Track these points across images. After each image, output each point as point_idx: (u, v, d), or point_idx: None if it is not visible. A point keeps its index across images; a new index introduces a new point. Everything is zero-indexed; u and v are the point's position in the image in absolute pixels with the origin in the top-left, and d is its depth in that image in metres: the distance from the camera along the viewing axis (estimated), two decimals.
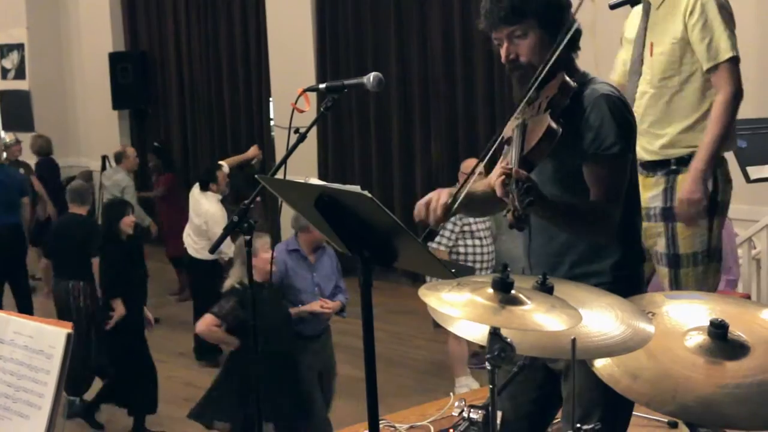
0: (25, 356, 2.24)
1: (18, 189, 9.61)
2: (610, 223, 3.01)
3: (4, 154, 10.58)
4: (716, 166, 4.24)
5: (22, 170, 11.52)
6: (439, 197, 3.04)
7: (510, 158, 2.93)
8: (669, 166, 4.30)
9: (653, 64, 4.31)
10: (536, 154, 2.89)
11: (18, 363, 2.24)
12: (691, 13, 4.17)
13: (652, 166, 4.32)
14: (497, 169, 2.86)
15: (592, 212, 3.03)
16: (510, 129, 3.04)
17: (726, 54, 4.16)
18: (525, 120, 2.97)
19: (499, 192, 2.75)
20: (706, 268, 4.30)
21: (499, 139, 3.07)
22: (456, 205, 3.01)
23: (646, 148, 4.27)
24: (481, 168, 3.01)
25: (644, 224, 4.06)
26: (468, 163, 6.89)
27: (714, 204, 4.26)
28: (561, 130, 2.90)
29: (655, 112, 4.30)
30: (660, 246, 4.31)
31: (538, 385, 3.22)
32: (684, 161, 4.27)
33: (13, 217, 9.42)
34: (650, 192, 4.30)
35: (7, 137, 12.02)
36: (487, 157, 3.10)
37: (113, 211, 7.17)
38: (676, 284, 4.28)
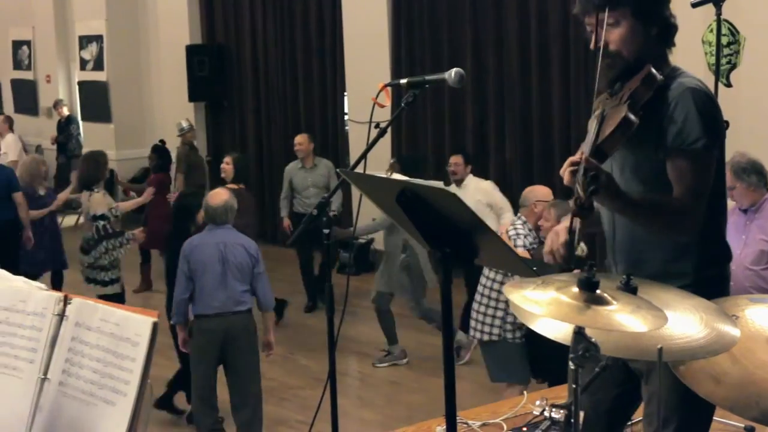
0: (111, 343, 2.27)
1: (5, 185, 9.16)
2: (692, 222, 2.93)
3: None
4: None
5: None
6: (558, 237, 3.03)
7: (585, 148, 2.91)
8: None
9: None
10: (609, 144, 2.86)
11: (104, 350, 2.27)
12: None
13: None
14: (570, 159, 2.83)
15: (671, 209, 2.95)
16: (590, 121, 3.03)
17: None
18: (605, 110, 2.95)
19: (566, 180, 2.77)
20: None
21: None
22: (576, 242, 2.95)
23: None
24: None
25: None
26: (538, 191, 6.45)
27: None
28: (637, 121, 2.87)
29: None
30: None
31: (618, 383, 3.19)
32: None
33: (4, 214, 9.03)
34: None
35: (184, 122, 12.16)
36: None
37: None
38: None
